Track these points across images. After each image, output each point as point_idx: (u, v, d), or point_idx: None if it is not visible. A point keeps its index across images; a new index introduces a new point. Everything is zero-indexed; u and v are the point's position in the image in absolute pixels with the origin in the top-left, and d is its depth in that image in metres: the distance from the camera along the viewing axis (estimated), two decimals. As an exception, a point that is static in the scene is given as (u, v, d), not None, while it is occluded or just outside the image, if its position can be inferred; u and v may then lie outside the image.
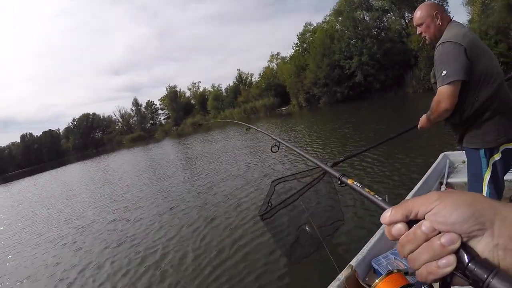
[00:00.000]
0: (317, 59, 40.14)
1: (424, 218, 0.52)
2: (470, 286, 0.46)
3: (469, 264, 0.47)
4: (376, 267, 2.54)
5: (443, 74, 2.26)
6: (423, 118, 2.60)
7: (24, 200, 20.31)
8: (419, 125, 2.65)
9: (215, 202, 7.98)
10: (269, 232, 3.64)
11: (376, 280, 0.51)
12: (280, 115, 41.46)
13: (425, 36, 2.57)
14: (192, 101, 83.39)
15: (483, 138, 2.32)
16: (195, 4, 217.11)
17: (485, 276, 0.45)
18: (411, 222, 0.54)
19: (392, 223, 0.55)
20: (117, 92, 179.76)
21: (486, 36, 23.70)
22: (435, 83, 2.52)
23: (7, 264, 7.75)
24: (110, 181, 17.20)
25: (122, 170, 21.83)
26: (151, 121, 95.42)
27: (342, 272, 2.42)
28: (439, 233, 0.50)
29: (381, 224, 2.84)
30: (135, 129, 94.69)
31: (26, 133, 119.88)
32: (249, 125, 2.32)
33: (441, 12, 2.49)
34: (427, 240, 0.51)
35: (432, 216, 0.51)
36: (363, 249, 2.72)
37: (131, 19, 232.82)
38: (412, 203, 0.53)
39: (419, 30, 2.60)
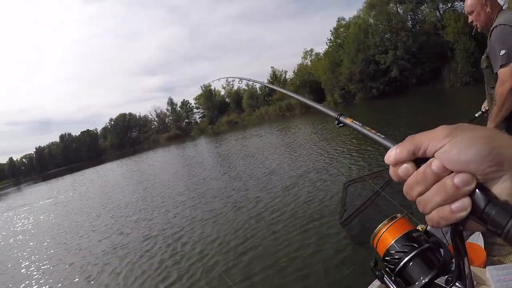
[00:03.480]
0: (351, 54, 40.00)
1: (433, 157, 0.46)
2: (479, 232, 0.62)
3: (487, 208, 0.42)
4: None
5: (501, 53, 2.25)
6: (491, 117, 2.47)
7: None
8: (488, 124, 2.47)
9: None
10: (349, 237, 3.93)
11: (379, 226, 0.58)
12: (316, 112, 41.30)
13: (476, 24, 2.62)
14: (227, 99, 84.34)
15: None
16: (225, 3, 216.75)
17: (506, 221, 0.41)
18: (418, 161, 0.48)
19: (398, 163, 0.49)
20: (152, 93, 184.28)
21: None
22: (487, 67, 2.61)
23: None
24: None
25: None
26: (186, 120, 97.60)
27: None
28: (451, 173, 0.44)
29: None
30: (170, 128, 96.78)
31: (65, 133, 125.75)
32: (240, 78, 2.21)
33: (490, 0, 2.53)
34: (438, 180, 0.45)
35: (443, 154, 0.44)
36: None
37: (162, 20, 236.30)
38: (419, 139, 0.47)
39: (470, 18, 2.65)
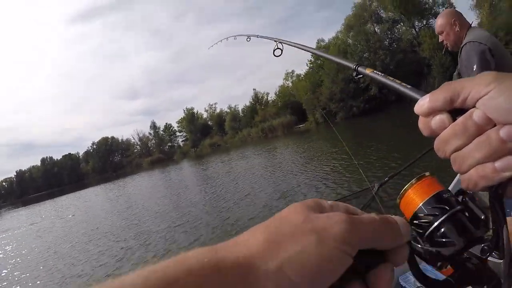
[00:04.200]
0: (331, 74, 40.57)
1: (474, 107, 0.40)
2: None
3: None
4: (404, 285, 2.28)
5: (474, 69, 2.38)
6: None
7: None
8: None
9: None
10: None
11: (406, 186, 0.51)
12: (298, 133, 41.82)
13: (446, 44, 2.74)
14: (209, 122, 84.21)
15: None
16: (209, 26, 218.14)
17: None
18: (454, 113, 0.42)
19: (431, 112, 0.43)
20: (134, 116, 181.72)
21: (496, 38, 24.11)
22: None
23: None
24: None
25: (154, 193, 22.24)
26: (169, 144, 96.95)
27: None
28: (495, 125, 0.39)
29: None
30: (153, 151, 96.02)
31: (47, 157, 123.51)
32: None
33: (459, 19, 2.64)
34: (479, 134, 0.39)
35: (488, 102, 0.38)
36: None
37: (144, 43, 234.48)
38: (459, 84, 0.41)
39: (440, 38, 2.76)
